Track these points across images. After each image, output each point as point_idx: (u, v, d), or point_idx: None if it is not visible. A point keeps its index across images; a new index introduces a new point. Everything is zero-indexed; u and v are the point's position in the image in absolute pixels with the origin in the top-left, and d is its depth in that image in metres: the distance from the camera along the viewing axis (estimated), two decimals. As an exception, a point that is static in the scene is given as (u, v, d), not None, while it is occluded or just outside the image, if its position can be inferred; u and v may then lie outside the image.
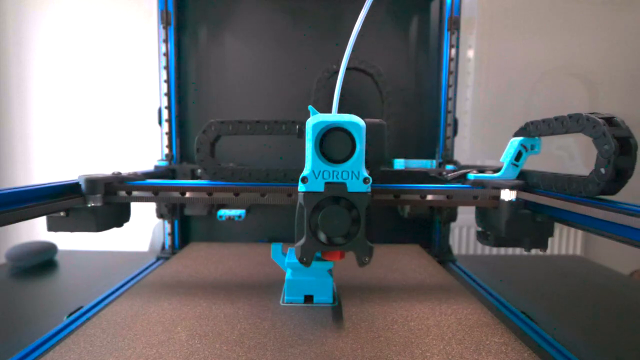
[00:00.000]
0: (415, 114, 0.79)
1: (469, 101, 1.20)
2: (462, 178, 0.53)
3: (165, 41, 0.74)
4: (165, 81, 0.74)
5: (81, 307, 0.49)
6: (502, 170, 0.49)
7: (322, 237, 0.35)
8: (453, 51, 0.75)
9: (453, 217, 0.77)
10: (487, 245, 0.49)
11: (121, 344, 0.34)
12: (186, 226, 0.80)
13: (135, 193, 0.48)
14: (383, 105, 0.72)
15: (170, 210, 0.75)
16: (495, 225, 0.46)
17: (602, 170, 0.35)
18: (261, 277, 0.51)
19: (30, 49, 1.12)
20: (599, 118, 0.36)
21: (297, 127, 0.47)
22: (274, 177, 0.49)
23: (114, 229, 0.49)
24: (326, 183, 0.35)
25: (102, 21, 1.11)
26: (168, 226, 0.77)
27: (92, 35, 1.11)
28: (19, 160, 1.15)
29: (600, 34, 1.19)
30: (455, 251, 0.80)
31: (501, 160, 0.49)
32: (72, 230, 0.45)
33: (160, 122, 0.76)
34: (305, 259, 0.35)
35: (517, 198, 0.45)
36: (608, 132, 0.35)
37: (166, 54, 0.74)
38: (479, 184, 0.49)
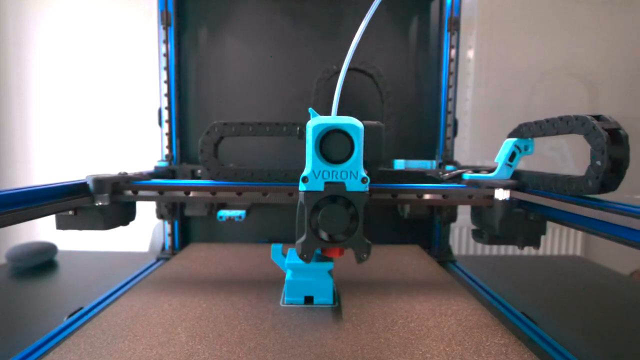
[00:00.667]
0: (415, 114, 0.79)
1: (469, 102, 1.20)
2: (458, 178, 0.55)
3: (166, 42, 0.74)
4: (165, 82, 0.74)
5: (81, 308, 0.49)
6: (497, 171, 0.50)
7: (322, 234, 0.37)
8: (453, 52, 0.75)
9: (453, 217, 0.77)
10: (481, 243, 0.51)
11: (121, 345, 0.34)
12: (186, 227, 0.80)
13: (141, 192, 0.50)
14: (383, 105, 0.72)
15: (171, 210, 0.75)
16: (490, 223, 0.48)
17: (599, 162, 0.35)
18: (261, 278, 0.51)
19: (30, 49, 1.12)
20: (587, 115, 0.37)
21: (298, 129, 0.48)
22: (275, 177, 0.50)
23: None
24: (326, 183, 0.36)
25: (102, 22, 1.11)
26: (168, 227, 0.77)
27: (92, 36, 1.11)
28: (19, 160, 1.15)
29: (600, 34, 1.19)
30: (455, 252, 0.80)
31: (495, 160, 0.50)
32: (80, 229, 0.47)
33: (160, 123, 0.76)
34: (305, 256, 0.37)
35: (510, 197, 0.46)
36: (598, 125, 0.36)
37: (166, 55, 0.74)
38: (474, 183, 0.51)
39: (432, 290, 0.47)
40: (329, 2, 0.76)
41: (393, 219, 0.79)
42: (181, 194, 0.49)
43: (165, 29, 0.73)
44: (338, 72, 0.40)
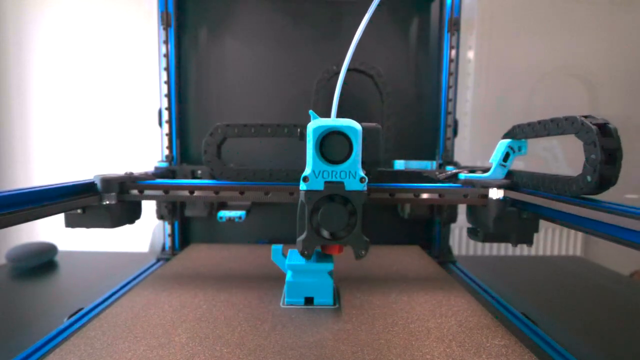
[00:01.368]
0: (415, 115, 0.79)
1: (469, 102, 1.20)
2: (454, 178, 0.56)
3: (166, 42, 0.74)
4: (165, 82, 0.74)
5: (81, 309, 0.49)
6: (491, 171, 0.51)
7: (322, 232, 0.38)
8: (453, 52, 0.75)
9: (453, 218, 0.77)
10: (476, 240, 0.52)
11: (122, 346, 0.33)
12: (186, 227, 0.79)
13: (146, 192, 0.51)
14: (383, 106, 0.72)
15: (171, 211, 0.75)
16: (484, 222, 0.49)
17: (593, 155, 0.36)
18: (261, 279, 0.51)
19: (30, 50, 1.12)
20: (576, 115, 0.38)
21: (299, 130, 0.50)
22: (276, 176, 0.52)
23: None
24: (326, 182, 0.38)
25: (102, 22, 1.11)
26: (168, 227, 0.77)
27: (92, 36, 1.11)
28: (19, 161, 1.15)
29: (600, 34, 1.19)
30: (455, 252, 0.80)
31: (490, 161, 0.52)
32: (88, 227, 0.48)
33: (160, 124, 0.76)
34: (306, 252, 0.39)
35: (504, 196, 0.47)
36: (586, 121, 0.37)
37: (166, 55, 0.74)
38: (469, 183, 0.52)
39: (433, 291, 0.47)
40: (329, 2, 0.76)
41: (393, 220, 0.79)
42: (186, 193, 0.51)
43: (166, 29, 0.73)
44: (338, 73, 0.40)
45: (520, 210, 0.47)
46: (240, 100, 0.77)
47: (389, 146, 0.70)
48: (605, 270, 0.78)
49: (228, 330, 0.37)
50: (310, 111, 0.40)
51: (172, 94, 0.75)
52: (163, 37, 0.73)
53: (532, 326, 0.47)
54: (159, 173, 0.72)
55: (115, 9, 1.11)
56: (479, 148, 1.20)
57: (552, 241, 1.24)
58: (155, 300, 0.44)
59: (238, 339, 0.35)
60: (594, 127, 0.36)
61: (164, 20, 0.73)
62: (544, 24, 1.18)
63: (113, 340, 0.34)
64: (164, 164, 0.75)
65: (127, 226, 0.52)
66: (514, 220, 0.47)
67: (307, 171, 0.38)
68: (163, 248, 0.78)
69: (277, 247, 0.44)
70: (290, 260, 0.43)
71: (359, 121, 0.40)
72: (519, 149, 0.50)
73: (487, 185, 0.49)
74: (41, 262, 0.75)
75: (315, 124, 0.37)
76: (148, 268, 0.68)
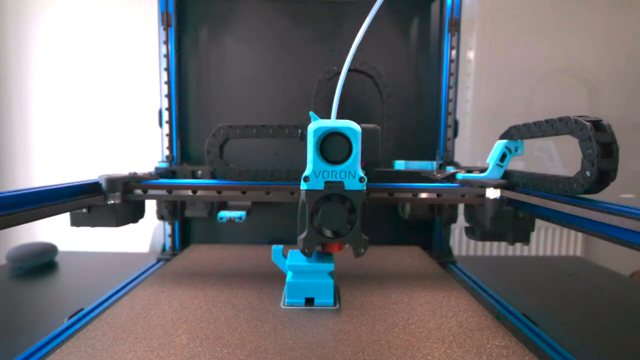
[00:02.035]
0: (416, 115, 0.79)
1: (470, 103, 1.20)
2: (452, 178, 0.57)
3: (166, 43, 0.74)
4: (165, 83, 0.74)
5: (82, 309, 0.49)
6: (488, 171, 0.52)
7: (322, 230, 0.39)
8: (453, 53, 0.75)
9: (453, 218, 0.77)
10: (473, 239, 0.54)
11: (122, 347, 0.33)
12: (187, 228, 0.79)
13: (150, 191, 0.52)
14: (383, 106, 0.72)
15: (171, 211, 0.75)
16: (481, 221, 0.51)
17: (588, 173, 0.37)
18: (262, 280, 0.51)
19: (30, 50, 1.12)
20: (569, 116, 0.39)
21: (300, 131, 0.51)
22: (277, 176, 0.53)
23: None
24: (326, 182, 0.39)
25: (102, 22, 1.11)
26: (168, 228, 0.77)
27: (93, 37, 1.11)
28: (19, 161, 1.15)
29: (601, 35, 1.19)
30: (455, 252, 0.80)
31: (487, 161, 0.53)
32: (93, 226, 0.49)
33: (160, 124, 0.76)
34: (307, 250, 0.40)
35: (500, 196, 0.49)
36: (580, 119, 0.38)
37: (167, 56, 0.74)
38: (466, 183, 0.53)
39: (433, 292, 0.47)
40: (330, 3, 0.76)
41: (393, 220, 0.79)
42: (189, 192, 0.52)
43: (166, 29, 0.73)
44: (338, 73, 0.41)
45: (516, 209, 0.48)
46: (241, 100, 0.77)
47: (390, 146, 0.70)
48: (605, 270, 0.78)
49: (228, 331, 0.37)
50: (311, 112, 0.40)
51: (172, 94, 0.75)
52: (163, 38, 0.73)
53: (532, 327, 0.47)
54: (159, 173, 0.72)
55: (116, 9, 1.11)
56: (479, 148, 1.20)
57: (553, 241, 1.24)
58: (155, 300, 0.44)
59: (238, 339, 0.35)
60: (587, 124, 0.37)
61: (165, 21, 0.73)
62: (545, 24, 1.18)
63: (113, 341, 0.34)
64: (165, 164, 0.75)
65: (127, 226, 0.52)
66: (510, 219, 0.48)
67: (308, 171, 0.38)
68: (163, 248, 0.78)
69: (277, 248, 0.44)
70: (290, 260, 0.42)
71: (360, 122, 0.40)
72: (516, 149, 0.51)
73: (484, 185, 0.50)
74: (41, 262, 0.75)
75: (316, 125, 0.38)
76: (148, 268, 0.68)
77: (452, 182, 0.56)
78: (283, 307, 0.42)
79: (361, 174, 0.39)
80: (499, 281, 0.67)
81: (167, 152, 0.76)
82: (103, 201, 0.49)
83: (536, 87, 1.20)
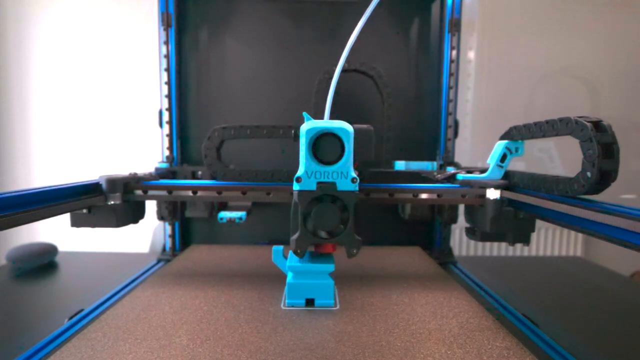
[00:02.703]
0: (416, 115, 0.79)
1: (470, 103, 1.20)
2: (452, 178, 0.57)
3: (166, 43, 0.74)
4: (165, 83, 0.74)
5: (82, 310, 0.49)
6: (488, 171, 0.52)
7: (315, 231, 0.39)
8: (454, 53, 0.75)
9: (454, 218, 0.77)
10: (474, 239, 0.54)
11: (122, 347, 0.33)
12: (187, 228, 0.79)
13: (150, 192, 0.52)
14: (383, 107, 0.72)
15: (171, 212, 0.75)
16: (482, 221, 0.51)
17: (589, 173, 0.37)
18: (262, 280, 0.51)
19: (31, 51, 1.12)
20: (587, 122, 0.39)
21: (293, 131, 0.51)
22: (278, 177, 0.53)
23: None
24: (318, 182, 0.39)
25: (102, 23, 1.11)
26: (169, 228, 0.77)
27: (93, 37, 1.11)
28: (19, 161, 1.15)
29: (601, 35, 1.19)
30: (455, 253, 0.80)
31: (487, 162, 0.53)
32: (93, 226, 0.49)
33: (160, 124, 0.76)
34: (299, 251, 0.40)
35: (501, 197, 0.49)
36: (580, 120, 0.38)
37: (167, 56, 0.74)
38: (467, 183, 0.53)
39: (433, 292, 0.47)
40: (330, 3, 0.75)
41: (394, 221, 0.79)
42: (189, 193, 0.52)
43: (166, 30, 0.73)
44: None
45: (516, 210, 0.48)
46: (241, 100, 0.77)
47: (390, 147, 0.70)
48: (605, 271, 0.78)
49: (229, 331, 0.37)
50: (304, 113, 0.41)
51: (172, 94, 0.75)
52: (163, 38, 0.73)
53: (533, 327, 0.47)
54: (159, 174, 0.72)
55: (116, 10, 1.11)
56: (480, 149, 1.20)
57: (553, 242, 1.24)
58: (155, 301, 0.44)
59: (239, 340, 0.35)
60: (588, 124, 0.37)
61: (165, 21, 0.73)
62: (545, 24, 1.18)
63: (114, 342, 0.34)
64: (165, 165, 0.75)
65: (127, 227, 0.52)
66: (510, 219, 0.48)
67: (300, 172, 0.38)
68: (163, 249, 0.78)
69: (277, 249, 0.44)
70: (291, 261, 0.42)
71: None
72: (516, 150, 0.51)
73: (484, 186, 0.50)
74: (42, 262, 0.75)
75: (308, 125, 0.38)
76: (149, 269, 0.68)
77: (452, 183, 0.56)
78: (283, 307, 0.42)
79: (353, 174, 0.38)
80: (499, 282, 0.67)
81: (167, 153, 0.76)
82: (103, 202, 0.49)
83: (536, 87, 1.20)
